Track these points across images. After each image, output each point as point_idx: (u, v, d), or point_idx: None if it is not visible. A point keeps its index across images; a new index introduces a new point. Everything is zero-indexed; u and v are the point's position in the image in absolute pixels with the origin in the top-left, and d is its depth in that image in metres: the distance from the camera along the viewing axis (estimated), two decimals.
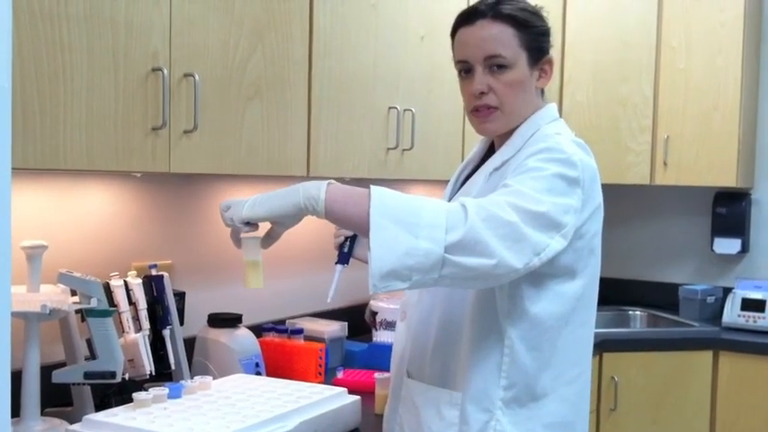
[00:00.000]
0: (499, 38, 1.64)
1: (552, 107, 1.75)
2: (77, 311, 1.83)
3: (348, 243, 1.71)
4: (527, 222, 1.46)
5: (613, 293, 3.94)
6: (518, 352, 1.60)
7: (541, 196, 1.49)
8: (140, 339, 1.96)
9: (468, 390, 1.61)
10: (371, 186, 1.46)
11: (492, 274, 1.44)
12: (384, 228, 1.40)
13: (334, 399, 1.95)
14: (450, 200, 1.75)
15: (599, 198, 1.63)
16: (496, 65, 1.64)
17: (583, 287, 1.63)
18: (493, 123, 1.69)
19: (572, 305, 1.62)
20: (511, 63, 1.64)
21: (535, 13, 1.69)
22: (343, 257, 1.72)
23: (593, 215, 1.61)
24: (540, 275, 1.56)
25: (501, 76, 1.65)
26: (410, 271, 1.40)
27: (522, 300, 1.59)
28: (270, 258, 2.71)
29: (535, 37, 1.67)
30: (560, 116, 1.76)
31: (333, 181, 1.50)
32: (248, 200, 1.52)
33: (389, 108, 2.55)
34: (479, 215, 1.44)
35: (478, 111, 1.68)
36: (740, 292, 3.52)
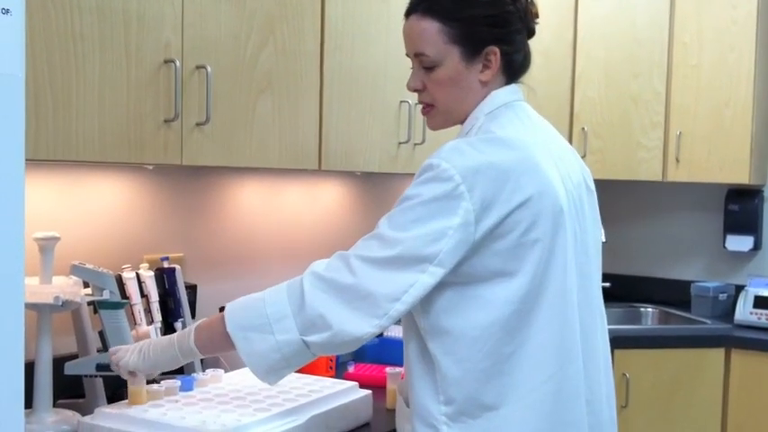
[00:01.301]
0: (424, 35, 1.58)
1: (496, 95, 1.62)
2: (90, 303, 1.83)
3: None
4: (379, 269, 1.45)
5: (625, 290, 3.93)
6: (447, 367, 1.50)
7: (402, 233, 1.46)
8: (152, 332, 1.96)
9: (414, 406, 1.57)
10: (226, 307, 1.56)
11: (343, 341, 1.46)
12: (245, 339, 1.51)
13: (345, 393, 1.95)
14: None
15: (525, 191, 1.48)
16: (423, 63, 1.60)
17: (527, 285, 1.49)
18: (433, 120, 1.68)
19: (511, 308, 1.48)
20: (437, 61, 1.58)
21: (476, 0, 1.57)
22: None
23: (518, 210, 1.47)
24: (453, 285, 1.49)
25: (431, 74, 1.60)
26: (285, 361, 1.51)
27: (436, 314, 1.51)
28: (282, 252, 2.72)
29: (471, 28, 1.56)
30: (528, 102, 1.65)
31: (198, 323, 1.62)
32: (134, 350, 1.67)
33: (401, 102, 2.54)
34: (317, 287, 1.48)
35: (422, 106, 1.67)
36: (752, 290, 3.49)
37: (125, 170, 2.18)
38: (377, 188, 3.14)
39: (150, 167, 2.15)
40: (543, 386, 1.52)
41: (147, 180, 2.25)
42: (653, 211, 4.08)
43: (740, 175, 3.53)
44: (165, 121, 1.79)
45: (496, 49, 1.58)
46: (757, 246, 3.74)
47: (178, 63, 1.79)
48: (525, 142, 1.54)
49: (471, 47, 1.58)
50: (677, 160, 3.60)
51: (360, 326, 1.45)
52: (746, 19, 3.48)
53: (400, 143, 2.55)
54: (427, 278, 1.45)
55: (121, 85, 1.69)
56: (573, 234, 1.57)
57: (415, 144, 2.60)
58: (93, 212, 2.11)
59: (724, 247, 3.80)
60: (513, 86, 1.65)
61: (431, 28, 1.57)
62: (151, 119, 1.76)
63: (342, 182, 2.98)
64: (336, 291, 1.47)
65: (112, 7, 1.67)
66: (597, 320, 1.67)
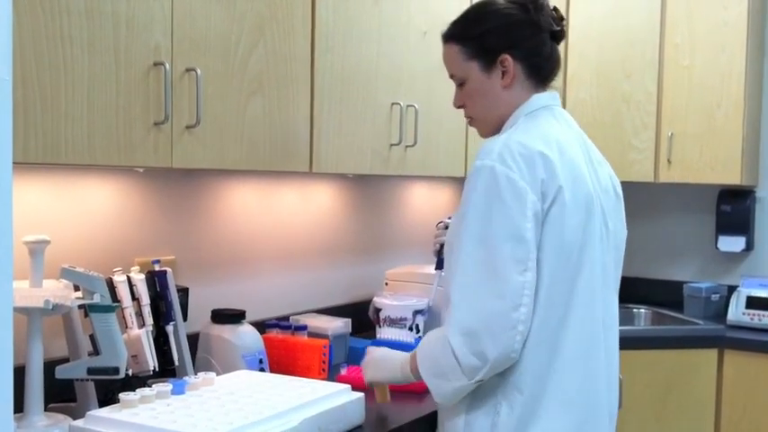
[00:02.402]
0: (449, 59, 1.84)
1: (537, 98, 1.81)
2: (80, 307, 1.82)
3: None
4: (489, 296, 1.59)
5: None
6: None
7: (489, 245, 1.59)
8: (143, 335, 1.96)
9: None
10: (418, 350, 1.78)
11: (503, 364, 1.62)
12: (435, 386, 1.72)
13: (337, 395, 1.94)
14: None
15: (564, 178, 1.65)
16: (456, 82, 1.85)
17: (570, 259, 1.66)
18: (479, 130, 1.89)
19: (558, 278, 1.65)
20: (463, 78, 1.82)
21: (475, 19, 1.79)
22: (440, 264, 2.40)
23: (560, 194, 1.65)
24: None
25: (463, 90, 1.84)
26: (465, 395, 1.69)
27: None
28: (274, 254, 2.72)
29: (480, 42, 1.78)
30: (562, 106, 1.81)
31: (413, 354, 1.81)
32: (367, 365, 2.02)
33: (392, 104, 2.54)
34: (457, 334, 1.62)
35: (468, 120, 1.90)
36: (745, 290, 3.50)
37: (115, 173, 2.17)
38: (369, 190, 3.13)
39: (140, 170, 2.14)
40: (578, 362, 1.68)
41: (138, 183, 2.24)
42: (645, 213, 4.08)
43: (732, 176, 3.54)
44: (155, 123, 1.78)
45: (508, 56, 1.77)
46: (749, 246, 3.75)
47: (168, 65, 1.79)
48: (560, 138, 1.70)
49: (486, 58, 1.78)
50: (669, 161, 3.60)
51: (506, 347, 1.59)
52: (737, 19, 3.49)
53: (392, 145, 2.55)
54: (530, 275, 1.59)
55: (111, 87, 1.69)
56: (599, 232, 1.73)
57: (407, 146, 2.60)
58: (83, 215, 2.10)
59: (716, 247, 3.81)
60: (553, 93, 1.86)
61: (452, 51, 1.82)
62: (141, 121, 1.75)
63: (334, 184, 2.98)
64: (470, 334, 1.60)
65: (101, 9, 1.66)
66: (610, 320, 1.81)
